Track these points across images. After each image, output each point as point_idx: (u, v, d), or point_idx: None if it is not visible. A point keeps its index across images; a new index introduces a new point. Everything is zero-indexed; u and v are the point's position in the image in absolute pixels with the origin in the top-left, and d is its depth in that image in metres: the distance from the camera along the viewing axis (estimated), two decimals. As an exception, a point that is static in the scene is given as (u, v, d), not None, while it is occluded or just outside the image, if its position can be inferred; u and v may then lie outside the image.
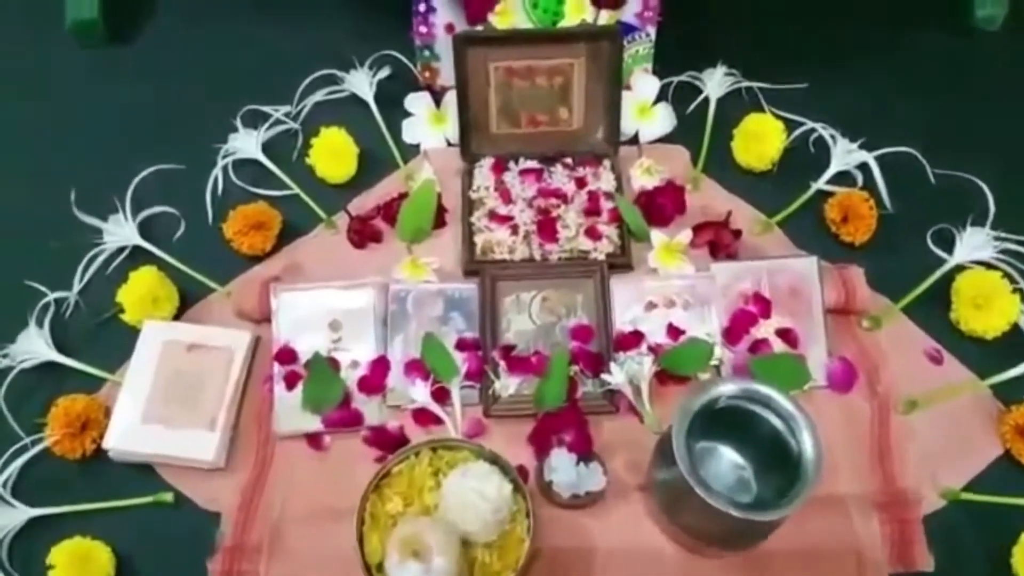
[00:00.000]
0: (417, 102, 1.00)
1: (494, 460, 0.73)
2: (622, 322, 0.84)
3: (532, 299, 0.86)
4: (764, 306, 0.84)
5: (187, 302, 0.89)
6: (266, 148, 0.98)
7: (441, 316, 0.84)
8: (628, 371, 0.80)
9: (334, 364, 0.82)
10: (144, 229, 0.92)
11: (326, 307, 0.84)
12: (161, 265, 0.89)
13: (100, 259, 0.90)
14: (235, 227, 0.89)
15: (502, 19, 0.93)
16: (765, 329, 0.83)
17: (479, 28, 0.93)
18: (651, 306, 0.85)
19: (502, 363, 0.81)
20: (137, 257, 0.91)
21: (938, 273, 0.88)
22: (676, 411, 0.66)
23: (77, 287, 0.88)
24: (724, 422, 0.70)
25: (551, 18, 0.96)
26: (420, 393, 0.79)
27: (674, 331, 0.83)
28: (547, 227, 0.89)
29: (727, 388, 0.67)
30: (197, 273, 0.89)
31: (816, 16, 1.11)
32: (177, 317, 0.88)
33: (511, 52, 0.91)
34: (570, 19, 0.94)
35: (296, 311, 0.83)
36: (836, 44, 1.09)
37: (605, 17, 0.93)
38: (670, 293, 0.85)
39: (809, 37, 1.09)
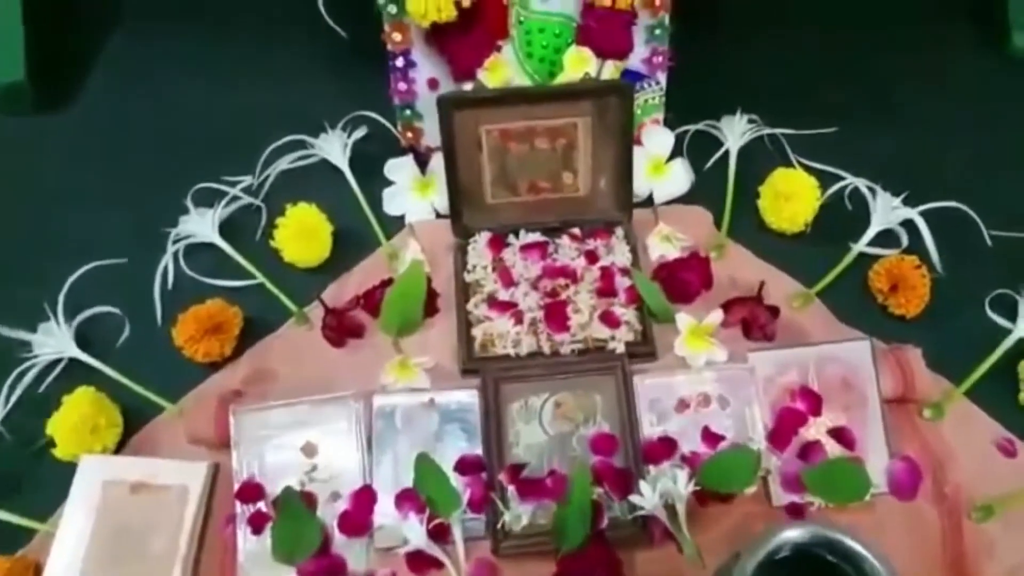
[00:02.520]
0: (399, 168, 0.88)
1: (510, 619, 0.61)
2: (650, 426, 0.72)
3: (543, 404, 0.73)
4: (813, 402, 0.72)
5: (133, 424, 0.75)
6: (224, 230, 0.84)
7: (436, 431, 0.71)
8: (662, 489, 0.68)
9: (309, 499, 0.69)
10: (81, 336, 0.78)
11: (297, 428, 0.70)
12: (101, 381, 0.75)
13: (29, 376, 0.75)
14: (186, 333, 0.76)
15: (493, 74, 0.81)
16: (816, 429, 0.72)
17: (467, 86, 0.81)
18: (683, 405, 0.73)
19: (511, 488, 0.68)
20: (73, 371, 0.77)
21: (1002, 348, 0.77)
22: (734, 572, 0.54)
23: (1, 413, 0.74)
24: (788, 565, 0.58)
25: (548, 68, 0.85)
26: (414, 531, 0.66)
27: (711, 436, 0.71)
28: (556, 313, 0.77)
29: (793, 534, 0.55)
30: (144, 388, 0.76)
31: (840, 53, 1.00)
32: (122, 444, 0.74)
33: (506, 113, 0.78)
34: (570, 71, 0.81)
35: (261, 435, 0.70)
36: (865, 83, 0.98)
37: (610, 67, 0.82)
38: (703, 388, 0.73)
39: (834, 76, 0.98)
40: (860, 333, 0.78)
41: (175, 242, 0.84)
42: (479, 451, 0.71)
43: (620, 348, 0.76)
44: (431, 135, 0.87)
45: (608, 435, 0.72)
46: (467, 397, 0.73)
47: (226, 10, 1.01)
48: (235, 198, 0.86)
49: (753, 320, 0.78)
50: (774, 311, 0.78)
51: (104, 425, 0.73)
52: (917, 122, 0.94)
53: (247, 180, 0.88)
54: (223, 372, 0.78)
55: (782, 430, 0.72)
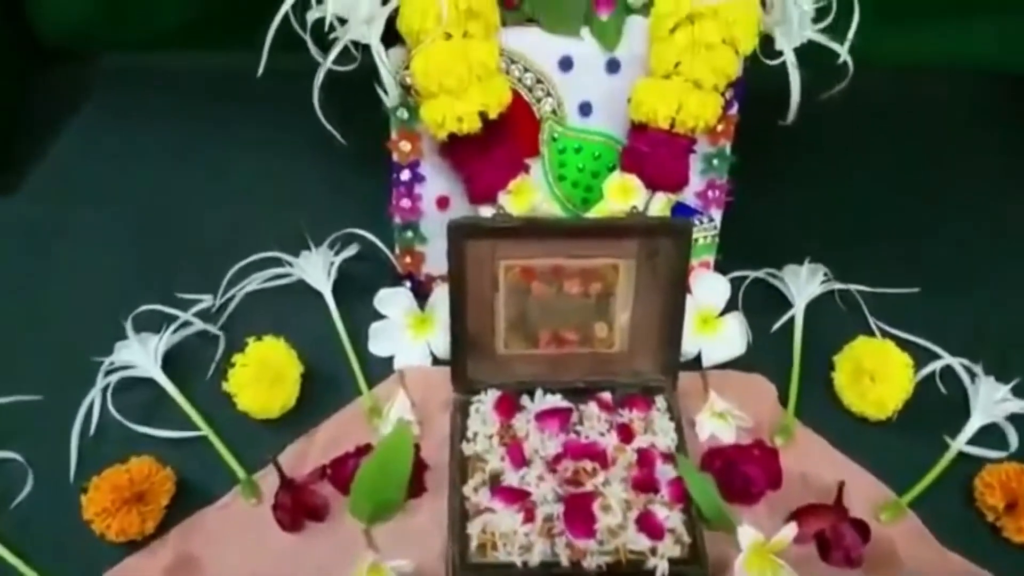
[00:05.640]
0: (392, 300, 0.72)
1: None
2: None
3: (558, 647, 0.55)
4: (922, 672, 0.55)
5: (11, 622, 0.57)
6: (168, 363, 0.68)
7: (411, 677, 0.54)
8: None
9: None
10: (-32, 493, 0.61)
11: (224, 660, 0.53)
12: (-20, 561, 0.57)
13: None
14: (99, 503, 0.58)
15: (518, 199, 0.66)
16: None
17: (484, 211, 0.67)
18: (745, 662, 0.55)
19: None
20: (-50, 542, 0.59)
21: None
22: None
23: None
24: None
25: (582, 195, 0.71)
26: None
27: None
28: (579, 511, 0.59)
29: None
30: (35, 571, 0.57)
31: (929, 199, 0.87)
32: (-13, 654, 0.56)
33: (531, 248, 0.63)
34: (611, 201, 0.67)
35: (174, 666, 0.52)
36: (959, 238, 0.84)
37: (660, 200, 0.68)
38: (773, 639, 0.55)
39: (920, 228, 0.84)
40: (971, 566, 0.61)
41: (106, 374, 0.67)
42: None
43: (663, 568, 0.58)
44: (434, 262, 0.73)
45: None
46: (455, 630, 0.55)
47: (210, 94, 0.89)
48: (186, 324, 0.70)
49: (836, 539, 0.60)
50: (863, 529, 0.60)
51: (-32, 628, 0.55)
52: (1019, 292, 0.80)
53: (206, 300, 0.72)
54: (140, 556, 0.59)
55: None
